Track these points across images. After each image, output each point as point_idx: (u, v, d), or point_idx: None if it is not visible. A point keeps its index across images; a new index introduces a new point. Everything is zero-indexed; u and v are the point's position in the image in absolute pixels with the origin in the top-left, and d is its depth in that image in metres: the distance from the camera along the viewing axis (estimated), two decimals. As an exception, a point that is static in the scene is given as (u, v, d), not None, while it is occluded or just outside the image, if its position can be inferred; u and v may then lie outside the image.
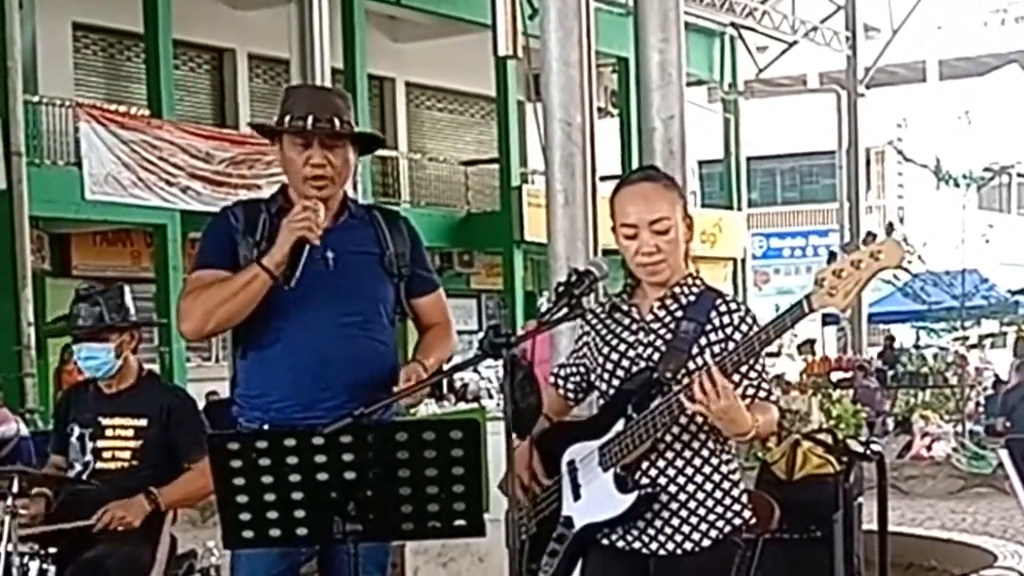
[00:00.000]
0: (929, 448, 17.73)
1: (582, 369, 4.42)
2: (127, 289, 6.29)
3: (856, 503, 7.01)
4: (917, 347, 25.53)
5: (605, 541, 4.25)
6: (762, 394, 4.13)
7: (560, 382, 4.49)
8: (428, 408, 18.38)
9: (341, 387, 4.61)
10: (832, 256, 3.89)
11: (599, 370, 4.29)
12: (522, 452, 4.21)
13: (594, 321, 4.36)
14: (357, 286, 4.71)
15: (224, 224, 4.75)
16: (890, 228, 3.91)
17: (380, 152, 25.06)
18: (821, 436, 7.33)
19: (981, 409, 22.30)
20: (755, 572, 4.57)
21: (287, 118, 4.68)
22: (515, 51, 10.43)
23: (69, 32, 22.94)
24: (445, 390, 21.44)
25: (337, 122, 4.67)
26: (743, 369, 4.05)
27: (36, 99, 20.65)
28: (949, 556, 9.54)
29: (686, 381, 4.01)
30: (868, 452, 7.26)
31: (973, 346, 24.05)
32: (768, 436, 4.26)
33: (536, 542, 4.32)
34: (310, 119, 4.64)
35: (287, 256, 4.54)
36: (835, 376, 23.76)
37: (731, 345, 4.05)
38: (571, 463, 4.27)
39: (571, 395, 4.48)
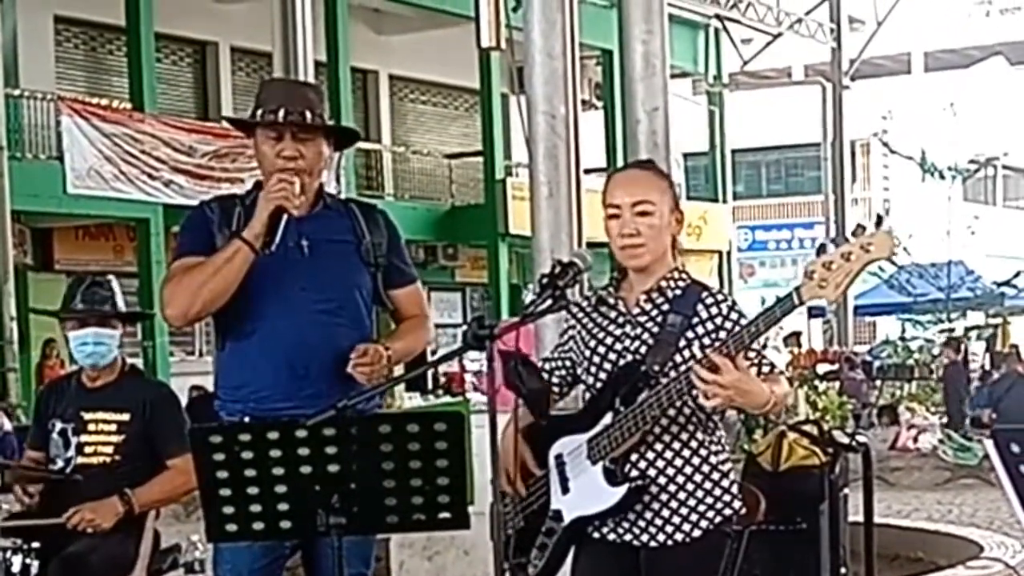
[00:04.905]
0: (915, 440, 17.78)
1: (568, 363, 4.41)
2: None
3: (842, 494, 7.00)
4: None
5: (595, 534, 4.24)
6: (765, 370, 4.11)
7: (545, 376, 4.47)
8: (412, 401, 18.38)
9: (319, 374, 4.60)
10: (822, 249, 3.89)
11: (585, 363, 4.28)
12: (509, 447, 4.20)
13: (580, 314, 4.36)
14: (333, 273, 4.71)
15: (201, 216, 4.76)
16: (879, 220, 3.89)
17: (363, 145, 25.05)
18: (807, 428, 7.32)
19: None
20: (741, 564, 4.55)
21: (259, 112, 4.70)
22: (498, 43, 10.38)
23: (51, 25, 22.87)
24: (431, 385, 21.41)
25: (309, 115, 4.67)
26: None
27: (17, 93, 20.58)
28: (935, 547, 9.54)
29: (673, 374, 4.00)
30: (854, 443, 7.24)
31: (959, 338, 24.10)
32: (785, 403, 4.23)
33: (524, 536, 4.31)
34: (281, 112, 4.65)
35: (265, 226, 4.54)
36: (821, 368, 23.79)
37: (723, 334, 4.04)
38: (559, 457, 4.26)
39: (556, 388, 4.46)
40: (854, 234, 3.84)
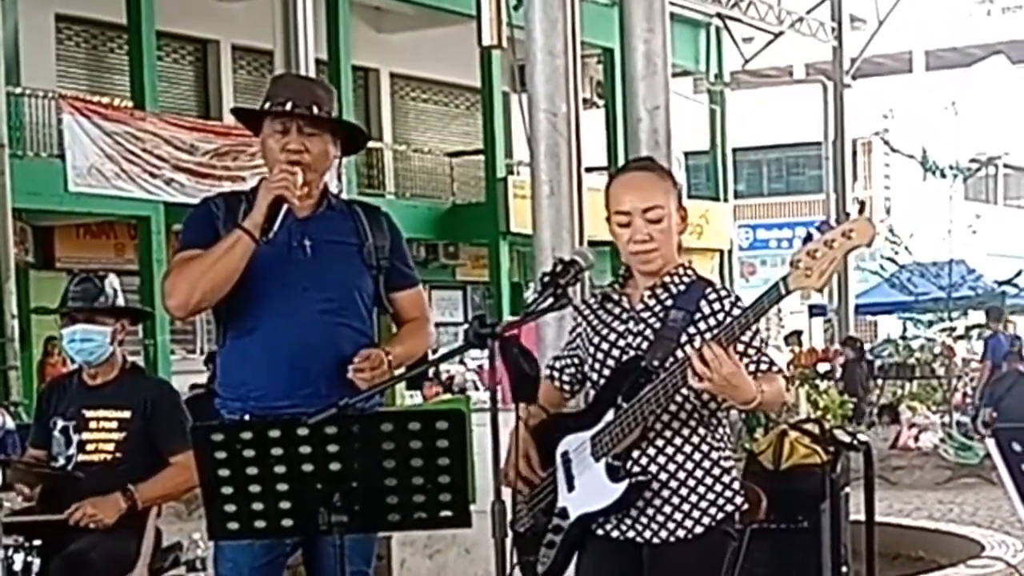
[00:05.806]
0: (916, 439, 17.76)
1: (576, 360, 4.43)
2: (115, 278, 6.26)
3: (843, 493, 7.01)
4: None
5: (599, 531, 4.25)
6: (763, 367, 4.13)
7: (555, 374, 4.50)
8: (413, 399, 18.38)
9: (319, 374, 4.60)
10: (808, 237, 3.93)
11: (591, 360, 4.30)
12: (511, 447, 4.21)
13: (586, 312, 4.37)
14: (335, 274, 4.71)
15: (206, 211, 4.76)
16: (861, 207, 3.92)
17: (365, 143, 24.97)
18: (808, 426, 7.32)
19: (968, 400, 22.33)
20: (742, 562, 4.55)
21: (267, 104, 4.71)
22: (500, 41, 10.37)
23: (52, 23, 22.88)
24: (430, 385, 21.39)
25: (316, 109, 4.67)
26: (739, 347, 4.03)
27: (19, 91, 20.59)
28: (936, 546, 9.54)
29: (674, 368, 4.00)
30: (855, 442, 7.25)
31: (960, 337, 24.07)
32: (779, 404, 4.26)
33: (533, 534, 4.32)
34: (289, 104, 4.65)
35: (265, 215, 4.54)
36: (822, 367, 23.81)
37: None
38: (565, 454, 4.27)
39: (567, 386, 4.49)
40: (838, 222, 3.88)
